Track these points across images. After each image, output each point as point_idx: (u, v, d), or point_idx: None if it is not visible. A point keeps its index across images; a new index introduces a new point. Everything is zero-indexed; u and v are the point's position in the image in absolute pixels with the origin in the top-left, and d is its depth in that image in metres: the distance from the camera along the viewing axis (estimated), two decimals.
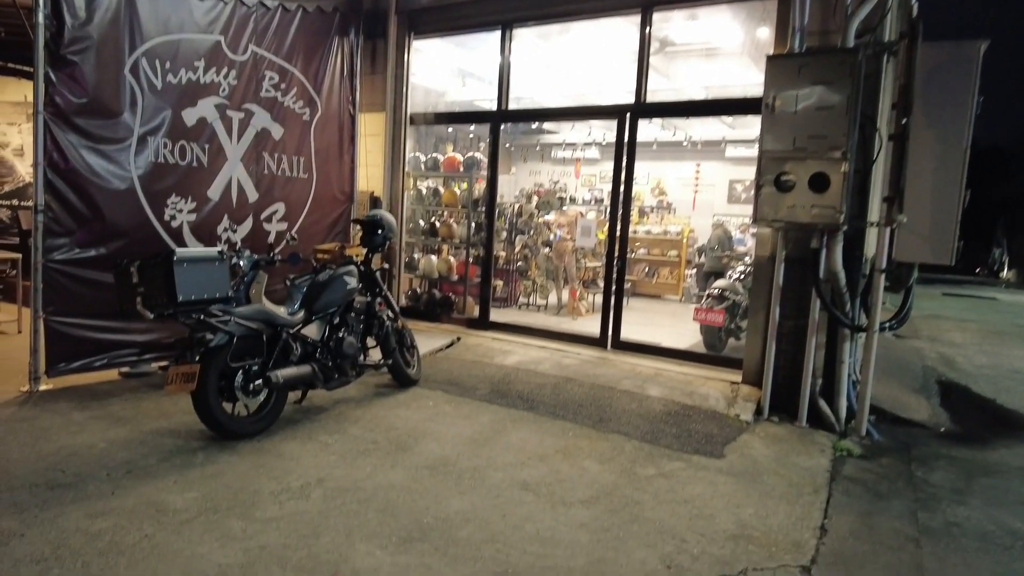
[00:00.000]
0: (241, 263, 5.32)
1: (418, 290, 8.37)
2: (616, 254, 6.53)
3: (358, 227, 5.55)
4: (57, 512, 3.01)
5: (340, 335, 4.62)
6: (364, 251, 5.07)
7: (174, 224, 5.46)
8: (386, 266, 7.46)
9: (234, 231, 5.87)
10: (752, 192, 4.87)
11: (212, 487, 3.34)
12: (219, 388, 3.91)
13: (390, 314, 5.17)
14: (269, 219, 6.28)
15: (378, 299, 5.10)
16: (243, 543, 2.81)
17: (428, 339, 6.82)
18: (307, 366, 4.26)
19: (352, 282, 4.79)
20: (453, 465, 3.77)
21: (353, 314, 4.80)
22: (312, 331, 4.50)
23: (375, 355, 5.13)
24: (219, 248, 3.73)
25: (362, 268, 5.02)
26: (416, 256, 8.45)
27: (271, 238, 5.93)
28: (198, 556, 2.69)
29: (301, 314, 4.49)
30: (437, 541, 2.92)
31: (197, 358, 3.75)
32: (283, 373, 4.05)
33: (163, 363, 5.19)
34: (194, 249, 3.55)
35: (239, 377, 3.95)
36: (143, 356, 5.23)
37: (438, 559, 2.78)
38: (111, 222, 5.04)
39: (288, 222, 6.46)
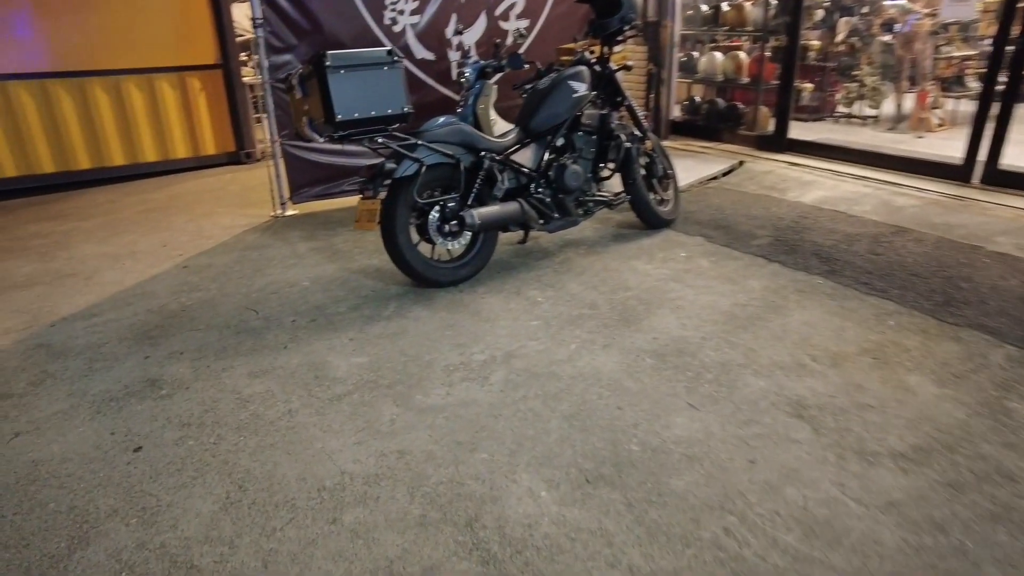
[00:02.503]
0: (466, 72, 4.46)
1: (696, 99, 6.69)
2: (1010, 31, 4.04)
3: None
4: (228, 364, 2.72)
5: (562, 161, 3.53)
6: (596, 45, 3.74)
7: (395, 28, 4.73)
8: (652, 68, 5.95)
9: (461, 33, 4.94)
10: None
11: (385, 351, 2.76)
12: (417, 227, 3.25)
13: (635, 132, 3.87)
14: (506, 15, 5.18)
15: (617, 112, 3.81)
16: (382, 444, 2.17)
17: (700, 163, 5.37)
18: (514, 203, 3.33)
19: (580, 89, 3.57)
20: (691, 355, 2.62)
21: (581, 133, 3.63)
22: (525, 157, 3.50)
23: (616, 185, 3.99)
24: (388, 48, 2.83)
25: (596, 69, 3.73)
26: (695, 54, 6.65)
27: (509, 39, 4.87)
28: (325, 455, 2.12)
29: (513, 135, 3.49)
30: (634, 491, 1.91)
31: (379, 192, 3.07)
32: (480, 212, 3.18)
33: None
34: (354, 51, 2.65)
35: (433, 215, 3.22)
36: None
37: (624, 528, 1.78)
38: (329, 32, 4.50)
39: (530, 18, 5.30)
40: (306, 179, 4.76)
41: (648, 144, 3.94)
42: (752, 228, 4.05)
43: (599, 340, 2.77)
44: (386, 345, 2.81)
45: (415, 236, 3.26)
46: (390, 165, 3.02)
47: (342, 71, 2.71)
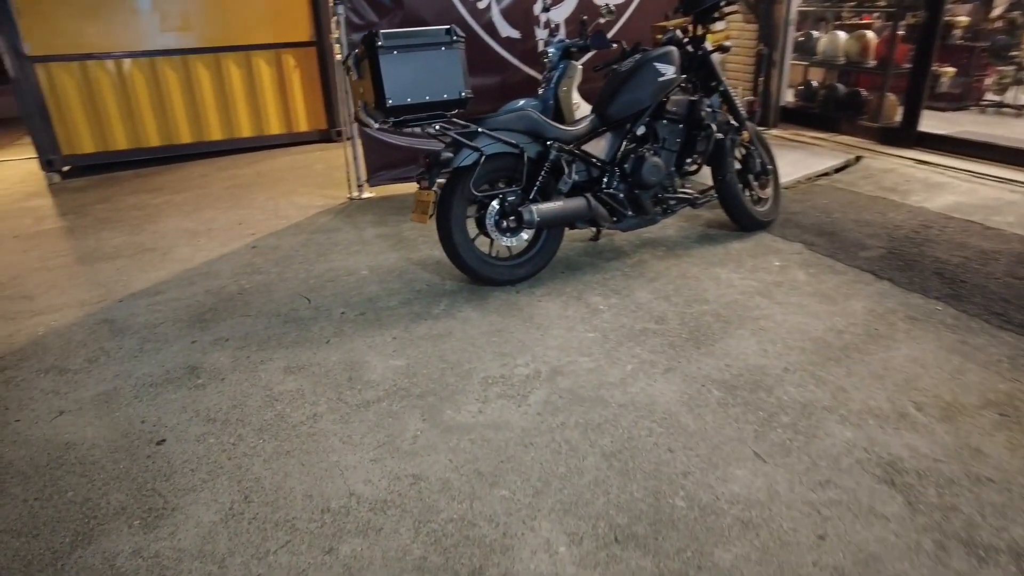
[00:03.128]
0: (549, 52, 4.18)
1: (813, 83, 6.01)
2: None
3: None
4: (267, 356, 2.64)
5: (640, 153, 3.18)
6: (689, 22, 3.32)
7: (480, 5, 4.50)
8: (763, 49, 5.37)
9: (549, 9, 4.62)
10: None
11: (425, 355, 2.57)
12: (476, 220, 3.04)
13: (731, 121, 3.43)
14: None
15: (709, 98, 3.39)
16: (399, 464, 1.98)
17: (811, 157, 4.80)
18: (580, 199, 3.02)
19: (667, 72, 3.18)
20: (768, 390, 2.25)
21: (666, 121, 3.25)
22: (599, 147, 3.17)
23: (706, 181, 3.58)
24: (447, 27, 2.59)
25: (689, 49, 3.33)
26: (814, 33, 5.96)
27: (603, 17, 4.52)
28: (338, 470, 1.97)
29: (587, 122, 3.17)
30: (670, 559, 1.61)
31: (435, 183, 2.87)
32: (541, 208, 2.90)
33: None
34: (410, 30, 2.45)
35: (492, 209, 2.98)
36: None
37: None
38: (410, 9, 4.34)
39: None
40: (383, 162, 4.67)
41: (745, 135, 3.50)
42: (862, 237, 3.51)
43: (661, 362, 2.44)
44: (428, 348, 2.63)
45: (474, 230, 3.05)
46: (447, 155, 2.81)
47: (395, 52, 2.50)
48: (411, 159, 4.69)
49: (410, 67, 2.54)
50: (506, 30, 4.62)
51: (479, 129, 2.85)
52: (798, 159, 4.79)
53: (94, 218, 4.71)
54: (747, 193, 3.62)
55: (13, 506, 1.90)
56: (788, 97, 5.90)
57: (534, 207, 2.87)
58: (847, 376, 2.30)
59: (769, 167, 3.65)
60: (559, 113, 4.24)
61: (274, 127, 6.53)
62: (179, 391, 2.44)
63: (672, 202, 3.30)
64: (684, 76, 3.33)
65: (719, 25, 3.30)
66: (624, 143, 3.18)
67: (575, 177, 3.11)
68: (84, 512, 1.88)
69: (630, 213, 3.22)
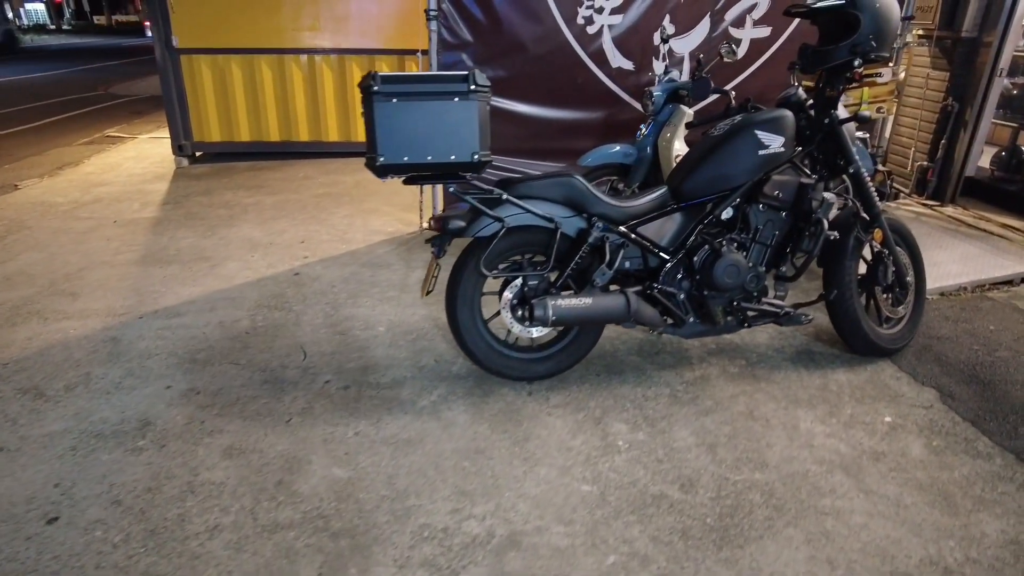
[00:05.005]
0: (654, 93, 3.53)
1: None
2: None
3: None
4: (220, 426, 2.32)
5: (716, 245, 2.44)
6: (818, 78, 2.50)
7: (590, 30, 3.91)
8: (952, 104, 4.26)
9: (668, 40, 3.90)
10: None
11: (375, 470, 2.10)
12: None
13: (860, 212, 2.56)
14: (741, 20, 4.02)
15: (833, 184, 2.56)
16: None
17: (990, 254, 3.69)
18: (617, 297, 2.35)
19: (772, 143, 2.42)
20: None
21: (763, 207, 2.48)
22: (662, 230, 2.48)
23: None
24: (466, 72, 2.06)
25: (811, 113, 2.52)
26: None
27: (724, 57, 3.71)
28: None
29: (652, 197, 2.50)
30: None
31: (443, 252, 2.38)
32: (560, 305, 2.28)
33: None
34: (417, 74, 1.99)
35: (509, 292, 2.43)
36: None
37: None
38: (509, 31, 3.87)
39: (772, 27, 4.06)
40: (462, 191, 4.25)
41: (877, 234, 2.61)
42: None
43: (658, 561, 1.76)
44: (384, 459, 2.15)
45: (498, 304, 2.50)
46: (457, 223, 2.30)
47: (394, 100, 2.03)
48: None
49: (412, 119, 2.06)
50: (618, 60, 3.99)
51: (503, 196, 2.31)
52: (971, 254, 3.67)
53: (185, 212, 4.79)
54: (875, 303, 2.73)
55: None
56: (982, 163, 4.64)
57: (551, 302, 2.26)
58: None
59: (909, 280, 2.71)
60: (656, 167, 3.56)
61: None
62: (115, 452, 2.20)
63: (752, 313, 2.52)
64: (800, 150, 2.53)
65: (851, 87, 2.45)
66: (698, 228, 2.47)
67: (626, 266, 2.46)
68: None
69: (692, 320, 2.50)
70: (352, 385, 2.57)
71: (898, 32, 2.61)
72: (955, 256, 3.65)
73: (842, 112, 2.54)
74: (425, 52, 3.90)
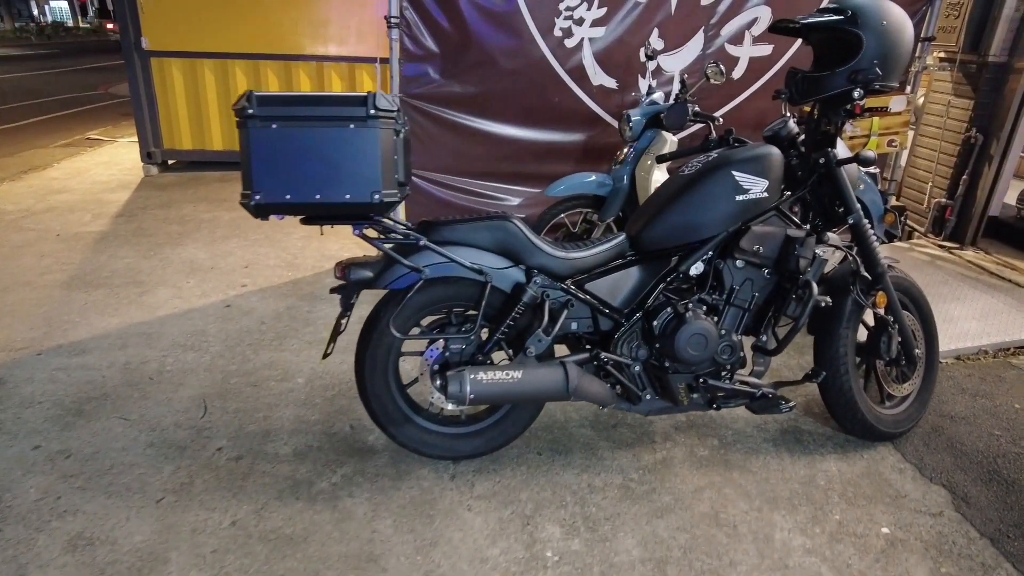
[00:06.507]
0: (633, 117, 3.15)
1: None
2: None
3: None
4: (77, 505, 1.93)
5: (681, 307, 2.02)
6: (808, 108, 2.08)
7: (569, 43, 3.51)
8: (976, 136, 3.81)
9: (655, 56, 3.48)
10: None
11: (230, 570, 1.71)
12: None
13: (860, 270, 2.13)
14: (738, 37, 3.61)
15: (828, 232, 2.13)
16: None
17: (1016, 309, 3.23)
18: (554, 370, 1.92)
19: (753, 187, 2.00)
20: None
21: (740, 262, 2.06)
22: (616, 286, 2.06)
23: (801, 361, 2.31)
24: (365, 94, 1.66)
25: (801, 150, 2.10)
26: None
27: (737, 71, 3.24)
28: None
29: (606, 246, 2.08)
30: None
31: (350, 307, 1.99)
32: (480, 380, 1.85)
33: None
34: (304, 95, 1.57)
35: (430, 355, 2.02)
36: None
37: None
38: (478, 41, 3.48)
39: (774, 44, 3.64)
40: (424, 215, 3.86)
41: (880, 298, 2.17)
42: None
43: None
44: (257, 563, 1.75)
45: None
46: (362, 273, 1.90)
47: (274, 125, 1.64)
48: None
49: (297, 150, 1.66)
50: (599, 77, 3.58)
51: (421, 242, 1.90)
52: (993, 309, 3.21)
53: (136, 227, 4.45)
54: (871, 377, 2.29)
55: None
56: (1008, 200, 4.17)
57: (470, 375, 1.85)
58: None
59: (917, 353, 2.26)
60: (633, 200, 3.15)
61: None
62: None
63: (721, 393, 2.08)
64: (788, 195, 2.10)
65: (849, 124, 2.03)
66: (660, 285, 2.05)
67: (572, 327, 2.05)
68: None
69: (649, 396, 2.07)
70: (246, 455, 2.18)
71: (910, 56, 2.18)
72: (975, 311, 3.19)
73: (841, 150, 2.11)
74: (385, 60, 3.53)
